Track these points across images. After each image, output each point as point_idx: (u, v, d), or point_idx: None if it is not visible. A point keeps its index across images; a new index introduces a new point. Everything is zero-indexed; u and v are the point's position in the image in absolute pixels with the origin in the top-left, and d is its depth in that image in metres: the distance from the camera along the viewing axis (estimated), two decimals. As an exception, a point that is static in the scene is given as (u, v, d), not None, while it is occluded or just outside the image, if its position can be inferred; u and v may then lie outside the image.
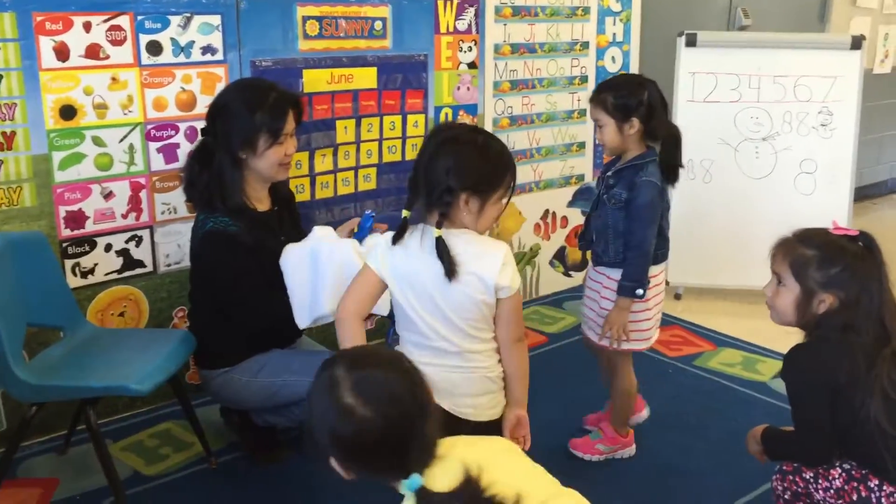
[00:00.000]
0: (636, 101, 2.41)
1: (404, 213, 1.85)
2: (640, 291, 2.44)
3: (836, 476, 1.81)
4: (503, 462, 1.39)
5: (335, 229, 2.60)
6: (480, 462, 1.27)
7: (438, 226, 1.78)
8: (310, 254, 2.40)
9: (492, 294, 1.82)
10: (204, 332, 2.57)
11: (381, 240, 1.90)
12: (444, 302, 1.81)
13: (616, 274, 2.50)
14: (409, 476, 1.26)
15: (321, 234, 2.49)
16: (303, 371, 2.52)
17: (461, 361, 1.85)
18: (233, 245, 2.40)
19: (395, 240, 1.84)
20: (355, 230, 2.58)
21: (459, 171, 1.78)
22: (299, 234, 2.62)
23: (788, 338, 1.96)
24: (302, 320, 2.40)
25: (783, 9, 5.19)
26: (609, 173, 2.53)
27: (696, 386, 3.26)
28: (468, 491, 1.24)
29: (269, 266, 2.43)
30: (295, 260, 2.40)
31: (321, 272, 2.37)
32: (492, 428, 1.89)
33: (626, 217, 2.45)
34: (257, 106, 2.42)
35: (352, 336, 1.87)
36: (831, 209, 4.05)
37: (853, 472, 1.80)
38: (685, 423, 2.94)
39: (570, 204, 4.18)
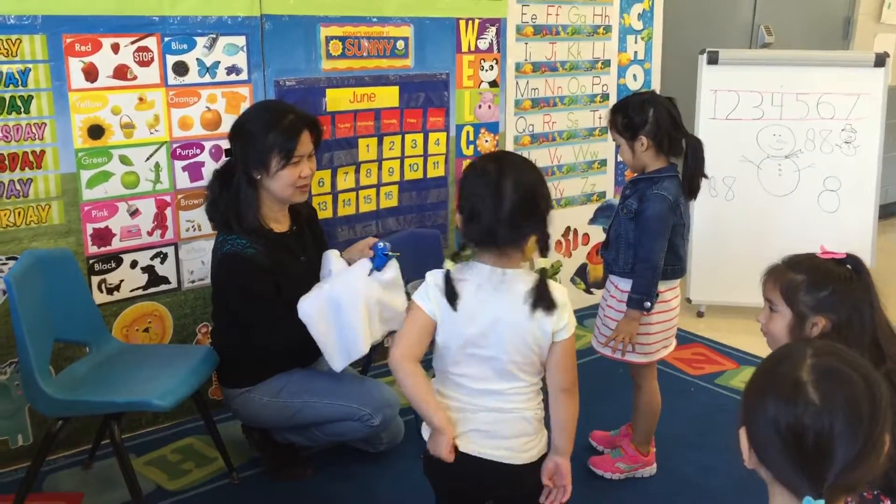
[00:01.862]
0: (642, 119, 2.46)
1: (448, 264, 1.74)
2: (647, 304, 2.46)
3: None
4: None
5: (345, 251, 2.59)
6: None
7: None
8: (328, 302, 2.37)
9: (548, 338, 1.75)
10: (226, 351, 2.59)
11: (430, 280, 1.77)
12: (499, 344, 1.73)
13: (624, 284, 2.53)
14: (816, 498, 1.10)
15: (336, 269, 2.48)
16: (323, 393, 2.54)
17: (500, 402, 1.77)
18: (249, 268, 2.40)
19: (451, 298, 1.72)
20: (371, 256, 2.47)
21: (546, 197, 1.74)
22: (321, 252, 2.63)
23: (810, 357, 1.94)
24: (336, 364, 2.40)
25: (806, 26, 5.19)
26: (624, 187, 2.59)
27: (719, 405, 3.24)
28: None
29: (286, 289, 2.44)
30: (314, 312, 2.36)
31: (347, 319, 2.34)
32: (526, 472, 1.81)
33: (636, 228, 2.49)
34: (271, 126, 2.41)
35: (410, 376, 1.75)
36: (855, 226, 4.04)
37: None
38: (707, 443, 2.92)
39: (592, 221, 4.18)
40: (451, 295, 1.72)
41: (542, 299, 1.71)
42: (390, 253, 2.41)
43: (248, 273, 2.40)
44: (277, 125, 2.42)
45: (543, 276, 1.72)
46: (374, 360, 3.04)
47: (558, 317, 1.73)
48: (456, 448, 1.76)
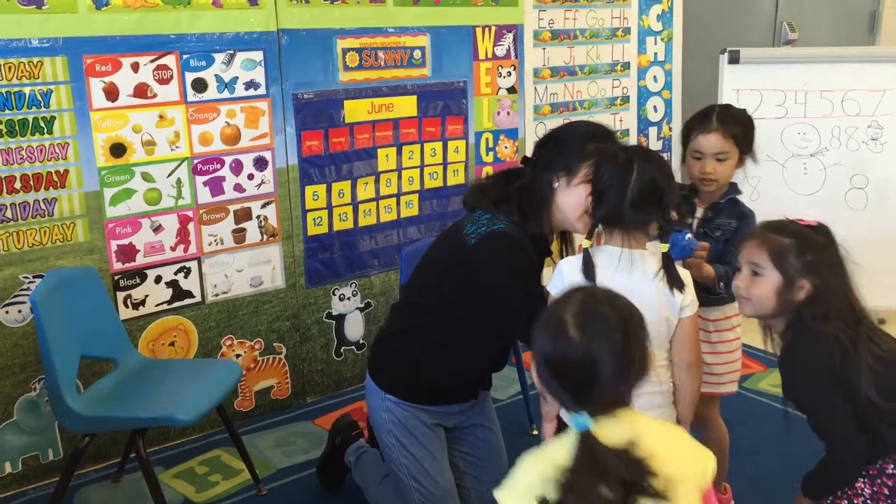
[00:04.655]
0: (753, 135, 2.40)
1: (585, 243, 1.87)
2: (721, 285, 2.28)
3: (861, 489, 1.78)
4: (677, 451, 1.41)
5: None
6: (654, 441, 1.34)
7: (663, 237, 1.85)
8: None
9: (676, 314, 1.87)
10: (417, 340, 2.26)
11: (563, 267, 1.90)
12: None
13: (730, 308, 2.39)
14: (579, 413, 1.32)
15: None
16: (428, 486, 2.28)
17: None
18: (523, 252, 2.11)
19: (591, 276, 1.83)
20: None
21: (670, 189, 1.86)
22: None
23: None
24: None
25: (831, 21, 5.11)
26: (705, 207, 2.40)
27: (747, 409, 3.20)
28: (628, 454, 1.29)
29: None
30: None
31: None
32: None
33: (726, 247, 2.29)
34: (595, 139, 2.15)
35: None
36: (884, 224, 3.97)
37: (870, 471, 1.77)
38: (735, 449, 2.86)
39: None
40: (590, 273, 1.83)
41: (673, 277, 1.85)
42: (694, 243, 2.10)
43: (522, 256, 2.11)
44: (600, 140, 2.16)
45: (669, 257, 1.86)
46: None
47: (685, 294, 1.87)
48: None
